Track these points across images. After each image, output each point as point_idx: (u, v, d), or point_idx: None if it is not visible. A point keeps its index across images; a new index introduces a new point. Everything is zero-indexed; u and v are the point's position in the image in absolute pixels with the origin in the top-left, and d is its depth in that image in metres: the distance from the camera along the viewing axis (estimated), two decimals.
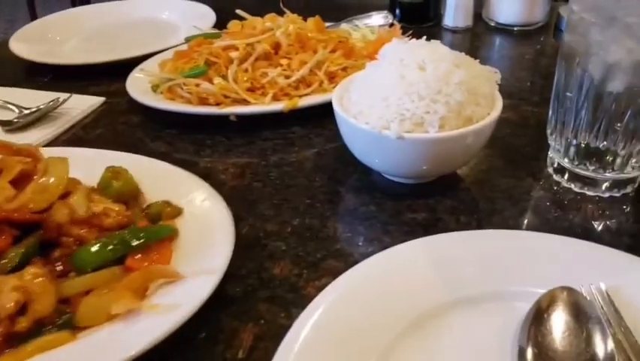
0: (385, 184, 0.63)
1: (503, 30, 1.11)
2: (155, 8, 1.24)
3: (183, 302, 0.43)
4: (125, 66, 0.88)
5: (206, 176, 0.65)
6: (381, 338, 0.41)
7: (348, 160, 0.63)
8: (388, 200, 0.60)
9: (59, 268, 0.47)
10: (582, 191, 0.60)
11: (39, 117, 0.78)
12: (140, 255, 0.48)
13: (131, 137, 0.76)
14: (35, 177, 0.50)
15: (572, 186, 0.61)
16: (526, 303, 0.42)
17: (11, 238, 0.47)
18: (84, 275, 0.46)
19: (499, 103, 0.58)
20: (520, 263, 0.47)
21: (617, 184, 0.59)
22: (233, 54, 0.77)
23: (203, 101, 0.75)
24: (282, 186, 0.64)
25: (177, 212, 0.54)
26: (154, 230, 0.51)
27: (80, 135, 0.77)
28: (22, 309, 0.42)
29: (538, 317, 0.40)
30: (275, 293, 0.49)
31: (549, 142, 0.63)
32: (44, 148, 0.64)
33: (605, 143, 0.56)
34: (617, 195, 0.59)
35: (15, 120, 0.77)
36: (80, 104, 0.82)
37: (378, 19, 1.02)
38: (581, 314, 0.40)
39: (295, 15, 0.89)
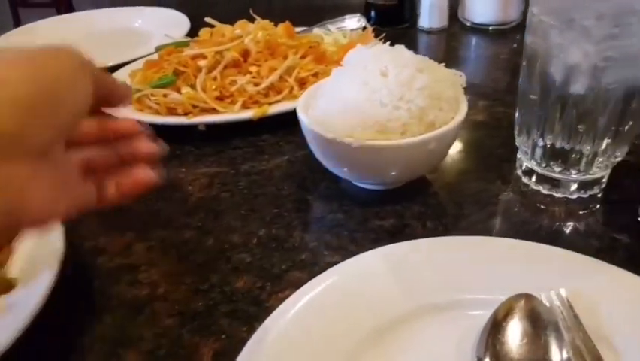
0: (354, 191, 0.62)
1: (479, 30, 1.11)
2: (129, 17, 1.23)
3: None
4: None
5: (174, 188, 0.64)
6: (341, 347, 0.41)
7: (318, 167, 0.62)
8: (356, 207, 0.60)
9: None
10: (550, 193, 0.60)
11: None
12: None
13: None
14: None
15: (541, 188, 0.61)
16: (487, 311, 0.42)
17: None
18: None
19: (463, 107, 0.58)
20: (482, 270, 0.46)
21: (584, 185, 0.59)
22: (202, 63, 0.76)
23: (171, 111, 0.74)
24: (250, 195, 0.63)
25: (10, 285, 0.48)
26: None
27: None
28: None
29: (496, 326, 0.39)
30: (237, 307, 0.48)
31: (516, 144, 0.63)
32: None
33: (569, 143, 0.56)
34: (585, 196, 0.59)
35: None
36: None
37: (351, 22, 1.01)
38: (538, 321, 0.39)
39: (266, 21, 0.89)
